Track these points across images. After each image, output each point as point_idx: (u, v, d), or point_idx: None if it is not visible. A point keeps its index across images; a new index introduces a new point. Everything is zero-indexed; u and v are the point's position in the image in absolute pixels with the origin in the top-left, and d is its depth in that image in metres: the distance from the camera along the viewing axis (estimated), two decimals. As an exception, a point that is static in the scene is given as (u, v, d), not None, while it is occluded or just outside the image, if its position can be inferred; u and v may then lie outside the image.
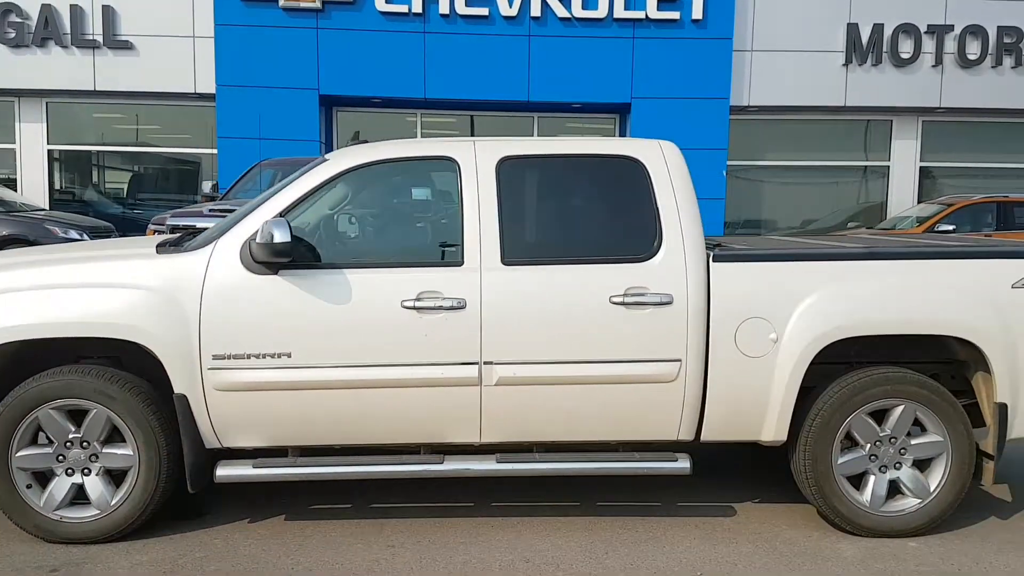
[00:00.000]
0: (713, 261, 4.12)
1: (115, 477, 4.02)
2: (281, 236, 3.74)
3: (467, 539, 4.08)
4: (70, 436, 3.94)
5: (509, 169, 4.17)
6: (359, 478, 4.11)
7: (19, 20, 14.93)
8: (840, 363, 4.27)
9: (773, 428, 4.16)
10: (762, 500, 4.68)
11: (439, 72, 14.69)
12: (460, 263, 4.03)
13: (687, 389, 4.10)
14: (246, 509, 4.41)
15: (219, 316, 3.90)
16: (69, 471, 3.98)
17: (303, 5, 14.54)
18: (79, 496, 4.00)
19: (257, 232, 3.87)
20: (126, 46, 15.22)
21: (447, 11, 14.55)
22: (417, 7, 14.53)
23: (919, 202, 15.47)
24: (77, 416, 3.95)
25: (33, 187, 15.73)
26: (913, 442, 4.21)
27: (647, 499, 4.65)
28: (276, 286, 3.93)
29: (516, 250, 4.08)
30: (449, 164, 4.16)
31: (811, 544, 4.11)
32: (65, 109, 15.90)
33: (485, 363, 4.00)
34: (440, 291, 3.98)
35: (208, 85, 15.03)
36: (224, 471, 4.02)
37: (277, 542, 4.02)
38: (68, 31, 15.03)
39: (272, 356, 3.93)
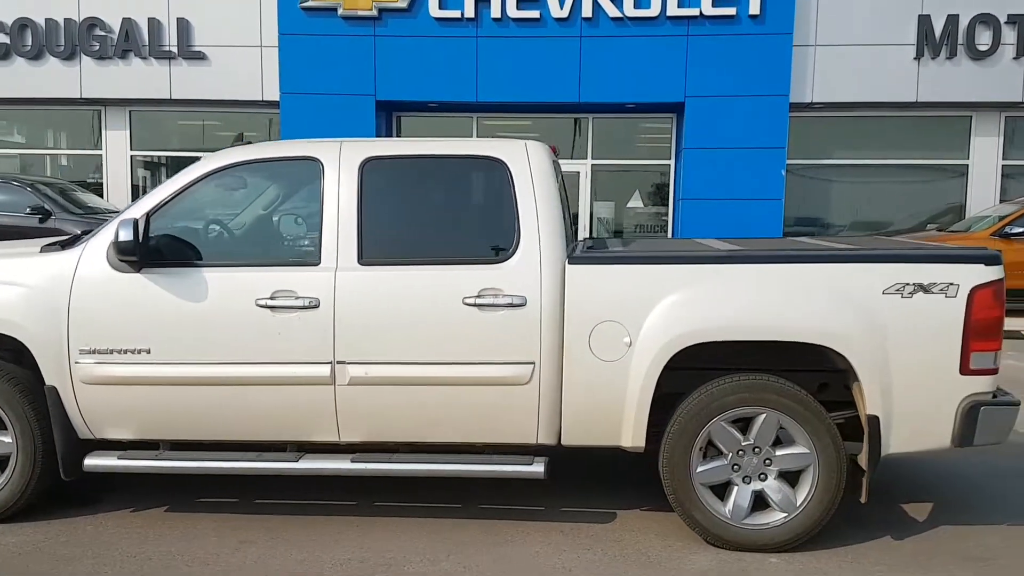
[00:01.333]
0: (569, 263, 4.04)
1: (2, 463, 4.28)
2: (125, 236, 3.91)
3: (318, 537, 4.15)
4: (-41, 422, 4.23)
5: (373, 170, 4.22)
6: (215, 473, 4.24)
7: (103, 34, 15.94)
8: (718, 369, 4.11)
9: (631, 434, 4.05)
10: (654, 508, 4.53)
11: (491, 75, 14.78)
12: (317, 263, 4.10)
13: (542, 392, 4.04)
14: (137, 500, 4.62)
15: (85, 312, 4.11)
16: (-40, 455, 4.27)
17: (360, 13, 14.92)
18: (-28, 479, 4.29)
19: (117, 232, 4.05)
20: (199, 56, 16.01)
21: (499, 15, 14.62)
22: (470, 11, 14.66)
23: (1001, 202, 14.48)
24: (-32, 404, 4.23)
25: (118, 191, 16.75)
26: (778, 453, 4.02)
27: (534, 503, 4.60)
28: (137, 283, 4.10)
29: (374, 250, 4.12)
30: (314, 164, 4.23)
31: (664, 554, 3.99)
32: (146, 117, 16.86)
33: (338, 362, 4.06)
34: (294, 290, 4.06)
35: (275, 93, 15.62)
36: (92, 461, 4.23)
37: (140, 532, 4.20)
38: (147, 43, 15.94)
39: (133, 351, 4.11)
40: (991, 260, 3.92)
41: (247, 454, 4.23)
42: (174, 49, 15.97)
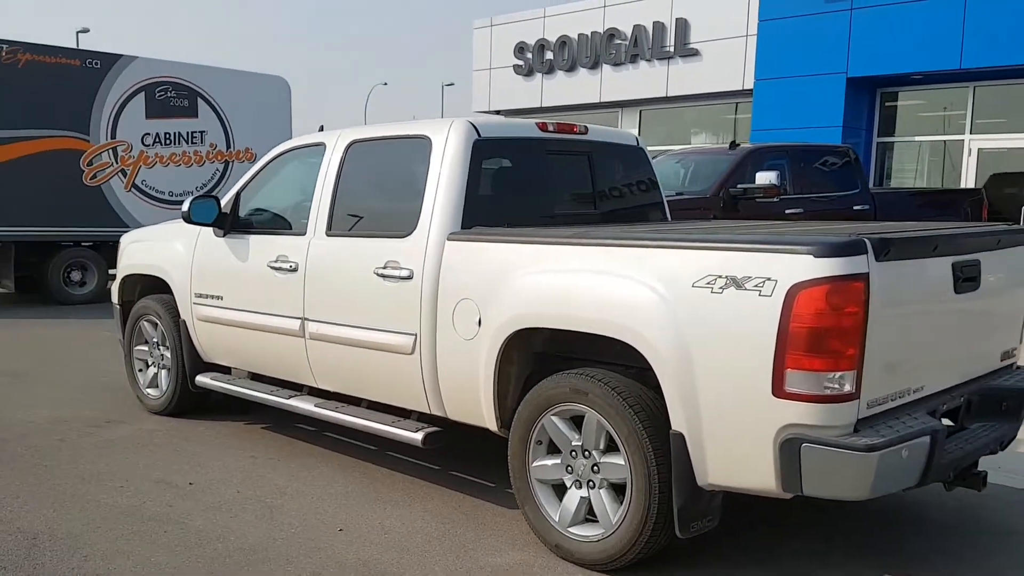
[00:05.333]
0: (448, 240, 4.04)
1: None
2: (184, 207, 5.14)
3: (274, 457, 4.95)
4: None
5: (353, 152, 4.76)
6: (254, 400, 5.23)
7: (619, 42, 17.78)
8: (585, 360, 3.71)
9: (487, 415, 3.91)
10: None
11: (981, 37, 12.59)
12: (304, 233, 4.81)
13: (423, 364, 4.16)
14: (260, 419, 5.84)
15: (198, 264, 5.51)
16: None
17: (840, -14, 14.01)
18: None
19: (220, 203, 5.33)
20: (693, 53, 16.84)
21: (995, -37, 12.35)
22: (959, -33, 12.67)
23: None
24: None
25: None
26: (602, 460, 3.49)
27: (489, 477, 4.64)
28: (220, 245, 5.32)
29: (338, 222, 4.69)
30: (321, 149, 4.91)
31: (488, 544, 3.82)
32: (654, 115, 18.26)
33: (305, 319, 4.73)
34: (287, 255, 4.85)
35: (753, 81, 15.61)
36: (199, 378, 5.59)
37: (214, 439, 5.41)
38: (650, 46, 17.31)
39: (215, 297, 5.36)
40: (831, 250, 2.81)
41: (266, 387, 5.17)
42: (672, 49, 17.05)
